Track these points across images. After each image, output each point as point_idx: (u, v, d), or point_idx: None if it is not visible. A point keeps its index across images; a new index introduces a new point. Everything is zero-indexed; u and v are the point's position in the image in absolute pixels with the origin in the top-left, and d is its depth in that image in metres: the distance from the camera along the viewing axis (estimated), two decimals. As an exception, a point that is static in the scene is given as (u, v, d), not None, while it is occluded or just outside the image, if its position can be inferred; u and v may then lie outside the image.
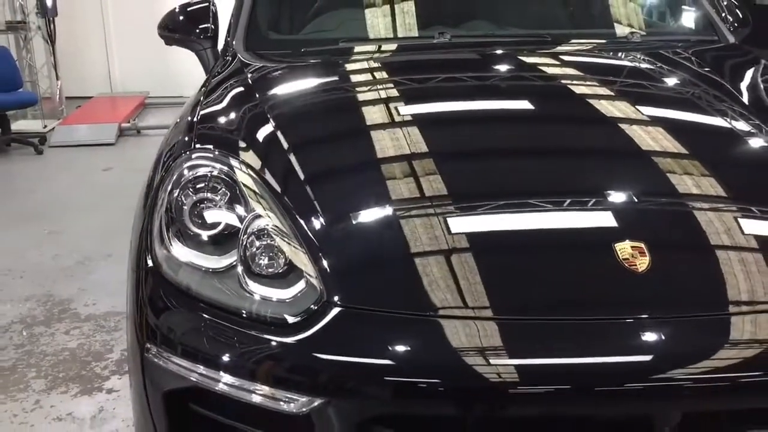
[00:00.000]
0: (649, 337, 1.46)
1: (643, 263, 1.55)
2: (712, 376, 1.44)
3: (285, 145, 1.94)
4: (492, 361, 1.43)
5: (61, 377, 3.14)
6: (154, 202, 1.83)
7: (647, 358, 1.45)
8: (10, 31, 8.13)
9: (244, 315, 1.58)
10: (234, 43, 2.80)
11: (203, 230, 1.74)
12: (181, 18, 3.08)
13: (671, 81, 2.47)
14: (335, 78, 2.40)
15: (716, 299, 1.54)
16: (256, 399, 1.50)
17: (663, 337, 1.45)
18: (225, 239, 1.71)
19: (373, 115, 2.11)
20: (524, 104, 2.26)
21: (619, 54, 2.66)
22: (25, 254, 4.43)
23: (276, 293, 1.60)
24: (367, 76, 2.53)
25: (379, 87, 2.40)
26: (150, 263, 1.72)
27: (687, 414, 1.44)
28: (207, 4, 3.09)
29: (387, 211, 1.71)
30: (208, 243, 1.72)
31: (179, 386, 1.60)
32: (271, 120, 2.05)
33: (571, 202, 1.74)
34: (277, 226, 1.69)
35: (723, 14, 3.15)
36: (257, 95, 2.22)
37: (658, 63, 2.62)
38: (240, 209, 1.75)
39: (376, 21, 3.02)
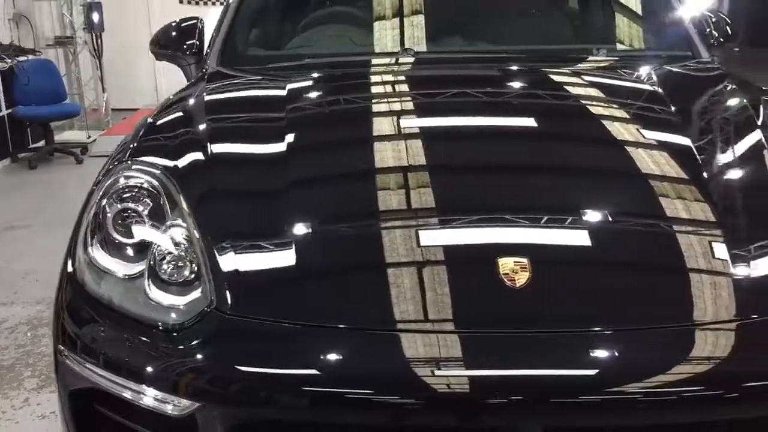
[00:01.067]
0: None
1: (523, 278, 1.58)
2: (578, 392, 1.46)
3: (211, 160, 2.02)
4: (356, 370, 1.49)
5: (52, 377, 3.28)
6: (84, 208, 1.93)
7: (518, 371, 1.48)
8: (59, 46, 8.51)
9: (143, 321, 1.66)
10: (209, 58, 2.91)
11: (123, 238, 1.83)
12: (173, 34, 3.20)
13: (609, 97, 2.46)
14: (279, 94, 2.44)
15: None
16: (146, 401, 1.58)
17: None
18: (140, 248, 1.80)
19: (302, 132, 2.17)
20: (452, 119, 2.30)
21: (571, 70, 2.66)
22: (49, 258, 4.63)
23: (173, 300, 1.68)
24: (316, 93, 2.59)
25: (323, 104, 2.47)
26: (70, 268, 1.82)
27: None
28: (195, 21, 3.21)
29: (287, 228, 1.77)
30: (124, 250, 1.81)
31: (84, 387, 1.69)
32: (208, 135, 2.14)
33: (458, 218, 1.79)
34: (188, 237, 1.77)
35: (708, 30, 3.12)
36: (205, 111, 2.31)
37: (606, 79, 2.62)
38: (160, 220, 1.84)
39: (353, 37, 3.10)
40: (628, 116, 2.28)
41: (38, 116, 7.34)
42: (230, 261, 1.69)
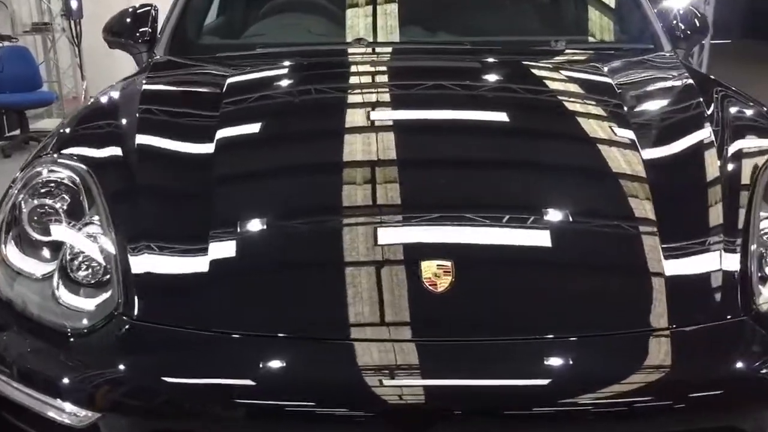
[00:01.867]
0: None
1: (445, 283, 1.50)
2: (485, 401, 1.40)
3: (136, 154, 1.92)
4: (259, 380, 1.42)
5: None
6: (1, 201, 1.84)
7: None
8: (37, 32, 8.36)
9: (48, 324, 1.58)
10: (158, 46, 2.81)
11: (39, 236, 1.74)
12: (127, 21, 3.07)
13: (560, 90, 2.36)
14: (218, 86, 2.30)
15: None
16: (45, 410, 1.50)
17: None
18: (56, 247, 1.71)
19: (235, 127, 2.07)
20: (397, 111, 2.21)
21: (526, 62, 2.57)
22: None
23: (82, 303, 1.60)
24: (258, 85, 2.47)
25: (262, 97, 2.36)
26: None
27: None
28: (149, 7, 3.10)
29: (207, 229, 1.67)
30: (40, 249, 1.72)
31: None
32: (136, 128, 2.02)
33: (387, 217, 1.70)
34: (102, 236, 1.68)
35: (675, 22, 3.03)
36: (139, 101, 2.20)
37: (559, 72, 2.52)
38: (78, 218, 1.75)
39: (311, 27, 3.00)
40: (575, 109, 2.19)
41: (11, 104, 7.21)
42: (142, 263, 1.61)
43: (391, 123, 2.11)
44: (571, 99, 2.27)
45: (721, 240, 1.64)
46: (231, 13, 3.38)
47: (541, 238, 1.65)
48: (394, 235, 1.65)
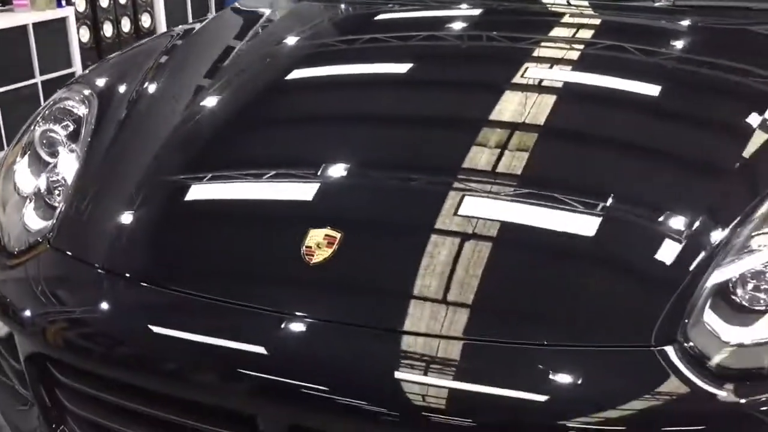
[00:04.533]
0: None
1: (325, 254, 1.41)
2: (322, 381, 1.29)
3: (141, 91, 1.98)
4: (108, 321, 1.48)
5: None
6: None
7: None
8: None
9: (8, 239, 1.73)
10: None
11: (47, 157, 1.90)
12: None
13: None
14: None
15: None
16: None
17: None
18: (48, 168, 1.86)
19: (233, 76, 2.06)
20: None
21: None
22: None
23: (35, 224, 1.72)
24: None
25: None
26: None
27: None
28: None
29: (141, 176, 1.72)
30: (41, 168, 1.87)
31: None
32: (153, 71, 2.08)
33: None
34: (73, 164, 1.80)
35: None
36: (166, 45, 2.24)
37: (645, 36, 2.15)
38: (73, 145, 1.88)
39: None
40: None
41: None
42: (81, 198, 1.70)
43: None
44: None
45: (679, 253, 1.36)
46: None
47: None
48: (299, 196, 1.59)
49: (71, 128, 1.92)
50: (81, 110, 1.94)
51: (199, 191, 1.68)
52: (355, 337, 1.32)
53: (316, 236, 1.43)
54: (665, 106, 1.79)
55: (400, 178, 1.65)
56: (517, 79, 1.89)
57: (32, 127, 1.95)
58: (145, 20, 6.26)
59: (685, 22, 2.16)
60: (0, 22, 4.93)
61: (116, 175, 1.76)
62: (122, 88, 2.02)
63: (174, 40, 2.28)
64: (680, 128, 1.74)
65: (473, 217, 1.45)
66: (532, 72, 1.94)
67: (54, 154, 1.89)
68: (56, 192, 1.79)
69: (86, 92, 1.99)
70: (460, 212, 1.47)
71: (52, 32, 5.30)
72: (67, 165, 1.82)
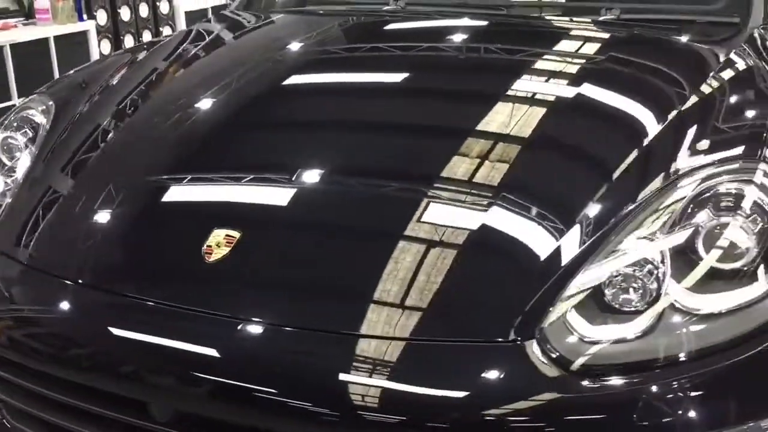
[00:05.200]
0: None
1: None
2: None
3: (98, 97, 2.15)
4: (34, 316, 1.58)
5: None
6: None
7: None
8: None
9: None
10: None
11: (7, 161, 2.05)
12: None
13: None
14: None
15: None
16: None
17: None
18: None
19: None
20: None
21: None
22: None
23: None
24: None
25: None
26: None
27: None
28: None
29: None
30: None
31: None
32: (107, 82, 2.24)
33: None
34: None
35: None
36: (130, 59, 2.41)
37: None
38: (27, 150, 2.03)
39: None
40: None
41: None
42: (29, 199, 1.84)
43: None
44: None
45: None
46: None
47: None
48: (208, 197, 1.72)
49: (30, 135, 2.06)
50: (40, 119, 2.09)
51: (130, 194, 1.78)
52: (234, 330, 1.42)
53: (217, 236, 1.54)
54: (561, 110, 1.87)
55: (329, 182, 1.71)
56: (454, 86, 2.03)
57: None
58: (167, 32, 6.48)
59: (623, 34, 2.26)
60: (23, 35, 5.18)
61: (55, 177, 1.89)
62: (79, 98, 2.16)
63: (137, 53, 2.43)
64: (568, 132, 1.80)
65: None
66: (476, 81, 2.06)
67: (13, 159, 2.05)
68: (8, 194, 1.93)
69: (48, 102, 2.14)
70: (355, 214, 1.61)
71: (74, 45, 5.53)
72: (21, 168, 1.97)
